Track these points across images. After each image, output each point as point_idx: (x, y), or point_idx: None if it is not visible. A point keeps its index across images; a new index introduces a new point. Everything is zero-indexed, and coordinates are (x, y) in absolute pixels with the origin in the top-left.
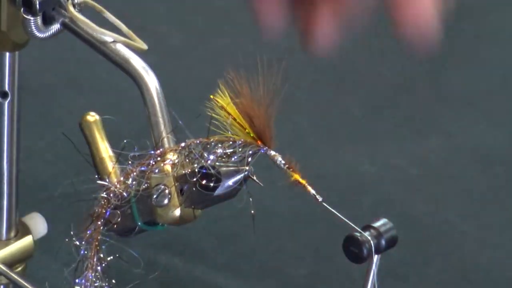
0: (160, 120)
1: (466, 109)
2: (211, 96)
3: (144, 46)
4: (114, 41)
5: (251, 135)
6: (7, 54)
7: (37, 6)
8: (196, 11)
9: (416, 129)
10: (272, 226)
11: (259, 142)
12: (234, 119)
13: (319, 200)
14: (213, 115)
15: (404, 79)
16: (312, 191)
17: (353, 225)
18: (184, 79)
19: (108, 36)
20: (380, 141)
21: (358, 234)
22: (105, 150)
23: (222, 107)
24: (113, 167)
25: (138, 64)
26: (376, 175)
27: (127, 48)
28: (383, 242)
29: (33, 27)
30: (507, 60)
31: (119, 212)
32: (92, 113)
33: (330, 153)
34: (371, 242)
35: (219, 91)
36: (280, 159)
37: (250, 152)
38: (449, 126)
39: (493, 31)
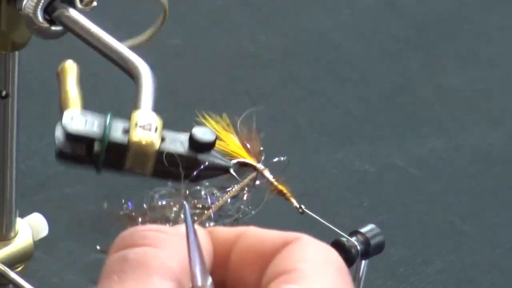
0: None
1: (466, 109)
2: (201, 117)
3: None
4: (116, 43)
5: (242, 149)
6: (7, 54)
7: None
8: (196, 11)
9: (416, 129)
10: (272, 226)
11: (250, 157)
12: (227, 132)
13: (301, 210)
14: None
15: (404, 79)
16: (295, 203)
17: (339, 231)
18: (184, 79)
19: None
20: (380, 141)
21: (344, 239)
22: (73, 91)
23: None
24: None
25: (138, 64)
26: (376, 175)
27: (127, 48)
28: (370, 247)
29: (36, 23)
30: (507, 60)
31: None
32: (70, 61)
33: (330, 153)
34: (358, 247)
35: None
36: (268, 173)
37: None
38: (449, 126)
39: (493, 31)
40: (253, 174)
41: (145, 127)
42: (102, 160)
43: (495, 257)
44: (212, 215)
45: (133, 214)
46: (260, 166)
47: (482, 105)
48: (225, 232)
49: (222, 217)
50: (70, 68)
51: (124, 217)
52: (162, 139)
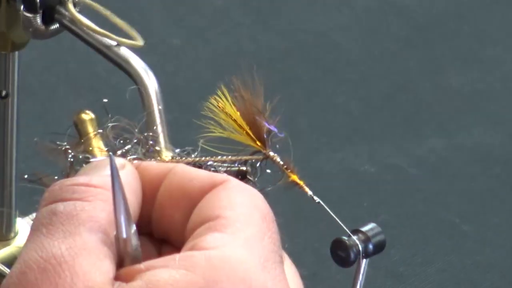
0: (158, 122)
1: (466, 109)
2: (211, 98)
3: (140, 42)
4: (111, 41)
5: (251, 136)
6: (7, 54)
7: (38, 3)
8: (196, 11)
9: (416, 129)
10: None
11: (259, 144)
12: (235, 120)
13: (316, 201)
14: (213, 115)
15: (404, 79)
16: (309, 192)
17: (345, 227)
18: (184, 79)
19: (103, 36)
20: (380, 141)
21: (345, 238)
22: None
23: (222, 109)
24: None
25: (139, 65)
26: (376, 175)
27: (127, 49)
28: (370, 246)
29: (33, 25)
30: (507, 60)
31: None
32: (87, 111)
33: (330, 153)
34: (359, 246)
35: (219, 93)
36: (279, 159)
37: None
38: (449, 126)
39: (493, 31)
40: (259, 156)
41: None
42: None
43: (495, 257)
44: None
45: (67, 148)
46: (270, 152)
47: (482, 105)
48: (154, 167)
49: None
50: (86, 118)
51: (57, 151)
52: None
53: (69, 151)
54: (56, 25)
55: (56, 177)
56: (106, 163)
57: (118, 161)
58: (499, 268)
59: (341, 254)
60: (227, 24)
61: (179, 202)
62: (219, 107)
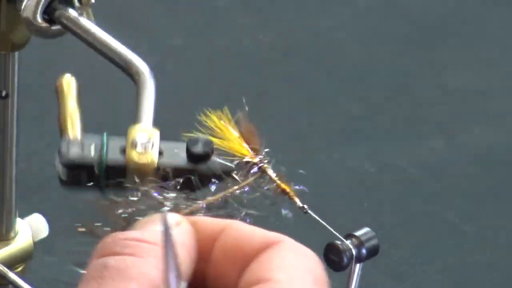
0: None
1: (466, 109)
2: (202, 114)
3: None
4: (116, 43)
5: (245, 147)
6: (7, 54)
7: None
8: (196, 11)
9: (416, 129)
10: (272, 227)
11: (251, 154)
12: (230, 133)
13: (305, 210)
14: (210, 125)
15: (404, 79)
16: (299, 203)
17: (336, 233)
18: (184, 79)
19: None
20: (380, 141)
21: (339, 242)
22: (72, 110)
23: (216, 123)
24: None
25: (139, 64)
26: (376, 175)
27: (127, 49)
28: (364, 251)
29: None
30: (507, 60)
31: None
32: (68, 75)
33: (330, 153)
34: (352, 250)
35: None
36: (271, 171)
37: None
38: (449, 126)
39: (493, 32)
40: (258, 175)
41: (142, 146)
42: (103, 183)
43: (495, 257)
44: (203, 207)
45: (115, 204)
46: (264, 164)
47: (482, 105)
48: (210, 223)
49: (214, 209)
50: (69, 83)
51: (105, 206)
52: (160, 153)
53: (123, 207)
54: (57, 26)
55: (108, 229)
56: (160, 218)
57: (174, 217)
58: (499, 268)
59: (334, 259)
60: (227, 24)
61: (234, 261)
62: (215, 121)
